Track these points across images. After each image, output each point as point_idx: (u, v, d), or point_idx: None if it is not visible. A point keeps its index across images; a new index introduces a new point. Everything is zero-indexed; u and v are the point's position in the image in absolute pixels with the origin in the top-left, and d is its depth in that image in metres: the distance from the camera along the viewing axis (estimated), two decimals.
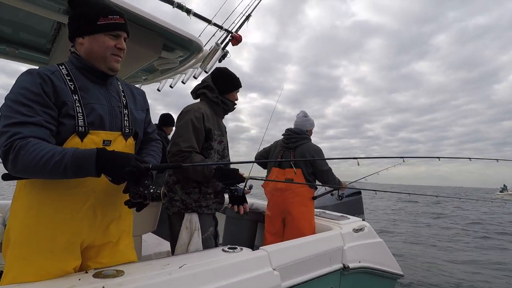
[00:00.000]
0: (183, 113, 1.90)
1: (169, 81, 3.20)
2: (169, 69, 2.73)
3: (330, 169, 2.91)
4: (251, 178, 2.27)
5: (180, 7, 2.14)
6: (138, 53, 2.22)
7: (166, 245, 2.57)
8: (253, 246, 3.05)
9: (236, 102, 2.14)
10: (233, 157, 2.20)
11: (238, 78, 2.12)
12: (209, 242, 1.92)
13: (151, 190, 1.09)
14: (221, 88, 2.04)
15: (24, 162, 0.96)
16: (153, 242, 2.59)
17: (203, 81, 2.10)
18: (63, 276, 1.15)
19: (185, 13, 2.19)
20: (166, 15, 1.96)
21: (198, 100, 2.11)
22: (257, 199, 3.47)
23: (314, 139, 3.09)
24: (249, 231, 3.04)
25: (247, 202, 1.95)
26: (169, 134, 4.26)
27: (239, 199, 1.92)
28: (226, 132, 2.12)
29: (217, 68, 2.14)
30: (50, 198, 1.12)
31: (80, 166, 0.98)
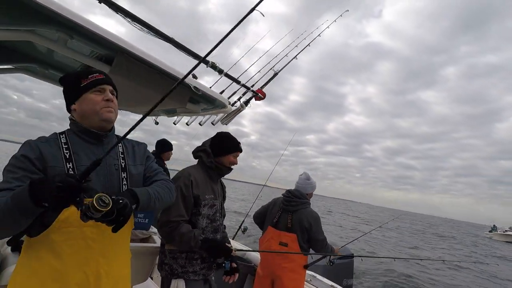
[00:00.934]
0: (174, 180, 1.92)
1: (186, 117, 3.24)
2: (189, 113, 2.77)
3: (324, 239, 2.88)
4: (238, 250, 2.28)
5: (214, 67, 2.20)
6: (165, 103, 2.25)
7: None
8: None
9: (232, 167, 2.12)
10: None
11: (237, 143, 2.12)
12: None
13: (83, 206, 0.95)
14: (216, 151, 2.05)
15: None
16: None
17: (202, 144, 2.14)
18: None
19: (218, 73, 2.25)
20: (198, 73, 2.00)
21: (197, 161, 2.14)
22: (250, 248, 3.43)
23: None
24: (238, 284, 2.99)
25: (237, 272, 1.98)
26: (168, 159, 4.27)
27: (227, 272, 1.94)
28: (221, 196, 2.12)
29: (218, 133, 2.18)
30: (39, 269, 1.12)
31: (19, 202, 0.95)
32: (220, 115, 2.77)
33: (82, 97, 1.25)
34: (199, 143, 2.15)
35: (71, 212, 1.12)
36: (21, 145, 1.16)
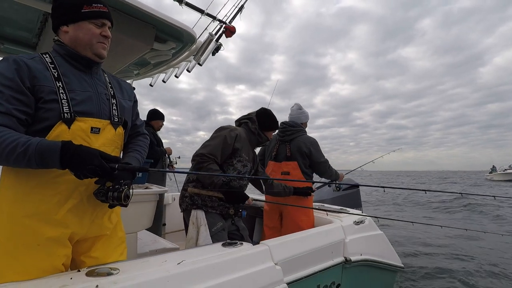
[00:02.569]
0: (222, 128, 2.15)
1: (162, 75, 3.11)
2: (161, 62, 2.65)
3: (326, 161, 2.86)
4: (255, 200, 2.62)
5: None
6: (129, 45, 2.14)
7: (161, 243, 2.50)
8: (251, 242, 3.00)
9: (268, 140, 2.39)
10: None
11: (277, 122, 2.42)
12: (220, 236, 1.98)
13: (115, 192, 1.07)
14: (262, 124, 2.30)
15: None
16: (148, 240, 2.52)
17: (248, 114, 2.38)
18: (54, 273, 1.10)
19: (177, 3, 2.13)
20: (156, 7, 1.89)
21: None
22: (255, 194, 3.41)
23: None
24: (247, 227, 2.98)
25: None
26: (158, 129, 4.18)
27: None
28: (255, 161, 2.34)
29: (263, 108, 2.42)
30: (36, 188, 1.06)
31: (44, 158, 0.96)
32: (193, 62, 2.66)
33: (79, 23, 1.17)
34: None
35: (62, 130, 1.07)
36: (1, 60, 1.05)
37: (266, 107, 2.49)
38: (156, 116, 4.10)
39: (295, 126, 2.91)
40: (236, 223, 2.18)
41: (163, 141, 4.15)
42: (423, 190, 2.17)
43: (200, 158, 1.97)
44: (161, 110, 5.41)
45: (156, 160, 3.84)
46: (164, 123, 4.19)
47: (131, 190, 1.13)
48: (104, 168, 1.00)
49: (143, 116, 4.09)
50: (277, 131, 3.03)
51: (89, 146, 1.04)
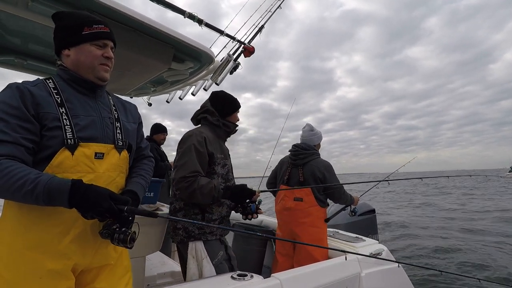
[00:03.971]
0: (185, 138, 1.86)
1: (178, 92, 3.12)
2: (178, 80, 2.65)
3: (342, 187, 2.76)
4: (263, 191, 2.20)
5: (192, 17, 2.08)
6: (147, 64, 2.15)
7: (170, 265, 2.44)
8: (262, 266, 2.90)
9: (237, 123, 2.10)
10: (233, 159, 2.15)
11: (236, 99, 2.09)
12: (222, 267, 1.80)
13: (121, 234, 1.03)
14: (221, 111, 2.01)
15: None
16: (157, 261, 2.47)
17: (202, 106, 2.07)
18: None
19: (197, 24, 2.13)
20: (172, 25, 1.89)
21: (199, 125, 2.06)
22: (267, 216, 3.33)
23: None
24: (258, 251, 2.89)
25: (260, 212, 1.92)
26: (161, 143, 4.18)
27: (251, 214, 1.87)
28: (229, 156, 2.07)
29: (213, 92, 2.11)
30: (38, 217, 1.03)
31: (52, 197, 0.93)
32: (210, 81, 2.66)
33: (81, 46, 1.15)
34: None
35: (65, 157, 1.04)
36: (4, 88, 1.04)
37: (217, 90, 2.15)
38: (157, 130, 4.11)
39: (308, 150, 2.83)
40: (228, 251, 1.96)
41: (171, 153, 4.16)
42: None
43: (185, 182, 1.70)
44: (169, 122, 5.45)
45: (161, 176, 3.82)
46: (168, 135, 4.20)
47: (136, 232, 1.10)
48: (113, 211, 0.98)
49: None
50: (289, 153, 2.96)
51: (99, 186, 1.01)
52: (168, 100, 3.25)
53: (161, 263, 2.41)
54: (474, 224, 9.31)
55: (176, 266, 2.35)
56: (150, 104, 3.34)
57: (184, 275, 1.82)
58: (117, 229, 1.05)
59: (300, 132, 3.00)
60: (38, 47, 2.37)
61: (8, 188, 0.90)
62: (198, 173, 1.74)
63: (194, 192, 1.69)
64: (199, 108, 2.08)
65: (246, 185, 1.88)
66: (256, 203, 1.92)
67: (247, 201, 1.85)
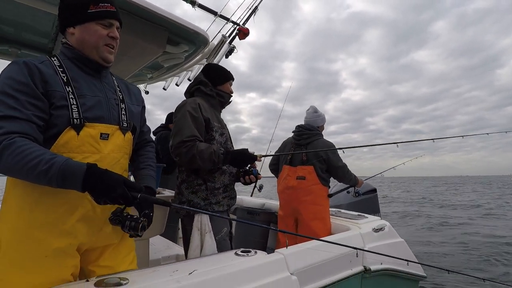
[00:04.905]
0: (179, 107, 1.83)
1: (175, 79, 3.11)
2: (174, 65, 2.63)
3: (345, 165, 2.76)
4: (265, 156, 2.19)
5: None
6: (142, 48, 2.13)
7: (174, 249, 2.46)
8: (265, 249, 2.93)
9: (231, 94, 2.05)
10: None
11: (229, 71, 2.05)
12: (224, 244, 1.80)
13: (133, 222, 1.04)
14: (214, 81, 1.97)
15: (7, 164, 0.89)
16: (161, 245, 2.49)
17: (195, 79, 2.04)
18: (62, 283, 1.06)
19: (190, 5, 2.10)
20: (167, 8, 1.86)
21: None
22: (268, 199, 3.35)
23: None
24: (261, 233, 2.91)
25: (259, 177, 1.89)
26: None
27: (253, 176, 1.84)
28: (226, 127, 2.03)
29: (206, 64, 2.10)
30: (43, 196, 1.02)
31: (66, 180, 0.92)
32: (206, 61, 2.63)
33: (86, 24, 1.13)
34: None
35: (71, 136, 1.03)
36: (10, 64, 1.01)
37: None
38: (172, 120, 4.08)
39: (312, 130, 2.83)
40: (231, 229, 1.94)
41: None
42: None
43: (184, 147, 1.65)
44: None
45: (172, 163, 3.80)
46: None
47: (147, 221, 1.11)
48: (126, 197, 0.96)
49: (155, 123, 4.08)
50: (292, 134, 2.96)
51: (114, 172, 0.99)
52: (165, 87, 3.23)
53: (166, 247, 2.44)
54: None
55: (180, 250, 2.37)
56: (147, 92, 3.32)
57: (186, 252, 1.81)
58: (129, 216, 1.06)
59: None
60: (32, 36, 2.34)
61: (21, 168, 0.89)
62: (196, 137, 1.70)
63: (194, 157, 1.65)
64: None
65: (247, 149, 1.83)
66: (258, 187, 1.92)
67: (249, 166, 1.83)
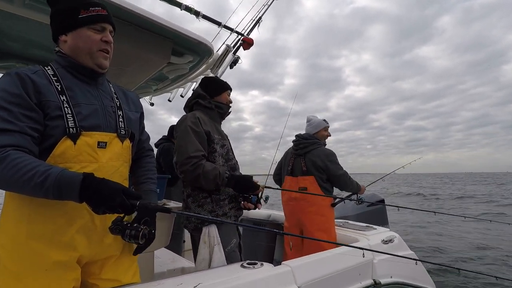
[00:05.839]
0: (179, 124, 1.85)
1: (180, 90, 3.11)
2: (179, 76, 2.64)
3: (345, 173, 2.72)
4: (267, 187, 2.17)
5: (188, 9, 2.07)
6: (146, 59, 2.14)
7: (180, 262, 2.41)
8: (272, 261, 2.87)
9: (230, 105, 2.07)
10: (238, 157, 2.13)
11: (225, 82, 2.08)
12: (234, 256, 1.78)
13: (133, 230, 1.03)
14: (212, 93, 2.00)
15: (2, 178, 0.88)
16: (166, 258, 2.44)
17: (193, 93, 2.06)
18: None
19: (194, 16, 2.11)
20: (169, 18, 1.88)
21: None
22: (275, 211, 3.30)
23: None
24: (267, 244, 2.86)
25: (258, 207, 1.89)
26: None
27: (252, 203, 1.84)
28: (227, 137, 2.04)
29: (203, 77, 2.11)
30: (42, 208, 1.00)
31: (62, 191, 0.90)
32: (210, 75, 2.64)
33: (78, 30, 1.11)
34: None
35: (67, 146, 1.01)
36: (2, 76, 1.00)
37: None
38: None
39: (308, 139, 2.82)
40: (240, 241, 1.93)
41: None
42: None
43: (190, 165, 1.65)
44: (176, 119, 5.39)
45: (175, 175, 3.78)
46: None
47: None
48: (125, 206, 0.94)
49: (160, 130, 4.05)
50: (292, 144, 2.95)
51: (111, 180, 0.97)
52: (170, 99, 3.24)
53: (171, 260, 2.39)
54: None
55: (186, 263, 2.33)
56: (152, 104, 3.33)
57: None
58: (129, 225, 1.04)
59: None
60: (39, 51, 2.36)
61: (16, 180, 0.87)
62: (201, 152, 1.71)
63: (199, 176, 1.67)
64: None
65: (252, 177, 1.85)
66: (261, 197, 1.90)
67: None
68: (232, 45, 2.38)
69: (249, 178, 1.82)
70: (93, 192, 0.90)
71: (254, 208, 1.86)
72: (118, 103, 1.23)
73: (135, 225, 1.05)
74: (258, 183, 1.85)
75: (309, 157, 2.72)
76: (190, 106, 2.02)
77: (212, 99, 1.97)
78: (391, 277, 2.05)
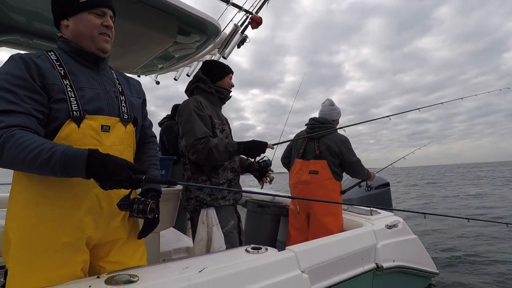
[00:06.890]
0: (182, 108, 1.87)
1: (186, 69, 3.06)
2: (185, 55, 2.59)
3: (358, 160, 2.70)
4: (277, 143, 2.26)
5: None
6: (152, 38, 2.09)
7: (185, 241, 2.47)
8: (275, 241, 2.92)
9: (231, 89, 2.07)
10: None
11: (227, 65, 2.07)
12: (232, 237, 1.82)
13: (141, 204, 1.05)
14: (213, 77, 1.99)
15: (9, 157, 0.88)
16: (172, 237, 2.50)
17: (194, 76, 2.05)
18: (72, 280, 1.05)
19: None
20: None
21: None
22: (280, 191, 3.32)
23: None
24: (272, 226, 2.90)
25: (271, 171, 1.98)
26: None
27: (266, 171, 1.94)
28: (227, 122, 2.06)
29: (205, 61, 2.09)
30: (49, 191, 1.01)
31: (68, 167, 0.89)
32: (218, 56, 2.58)
33: (79, 15, 1.11)
34: None
35: (71, 129, 1.02)
36: (7, 60, 1.00)
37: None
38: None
39: (325, 123, 2.77)
40: (239, 224, 2.00)
41: None
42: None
43: (200, 144, 1.70)
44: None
45: (178, 153, 3.79)
46: None
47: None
48: (131, 180, 0.95)
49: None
50: (305, 127, 2.91)
51: (116, 156, 0.97)
52: (176, 78, 3.19)
53: (176, 239, 2.44)
54: None
55: (190, 242, 2.37)
56: (158, 82, 3.28)
57: None
58: (136, 200, 1.06)
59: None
60: (44, 26, 2.32)
61: (23, 158, 0.87)
62: (207, 133, 1.75)
63: (211, 151, 1.70)
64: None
65: (255, 139, 1.90)
66: (268, 181, 1.94)
67: (261, 155, 1.90)
68: (239, 24, 2.30)
69: (256, 140, 1.87)
70: (99, 167, 0.91)
71: (272, 177, 1.97)
72: (120, 89, 1.24)
73: (143, 199, 1.07)
74: (268, 143, 1.91)
75: (324, 141, 2.69)
76: (191, 90, 2.02)
77: (214, 84, 1.98)
78: (394, 261, 2.09)
